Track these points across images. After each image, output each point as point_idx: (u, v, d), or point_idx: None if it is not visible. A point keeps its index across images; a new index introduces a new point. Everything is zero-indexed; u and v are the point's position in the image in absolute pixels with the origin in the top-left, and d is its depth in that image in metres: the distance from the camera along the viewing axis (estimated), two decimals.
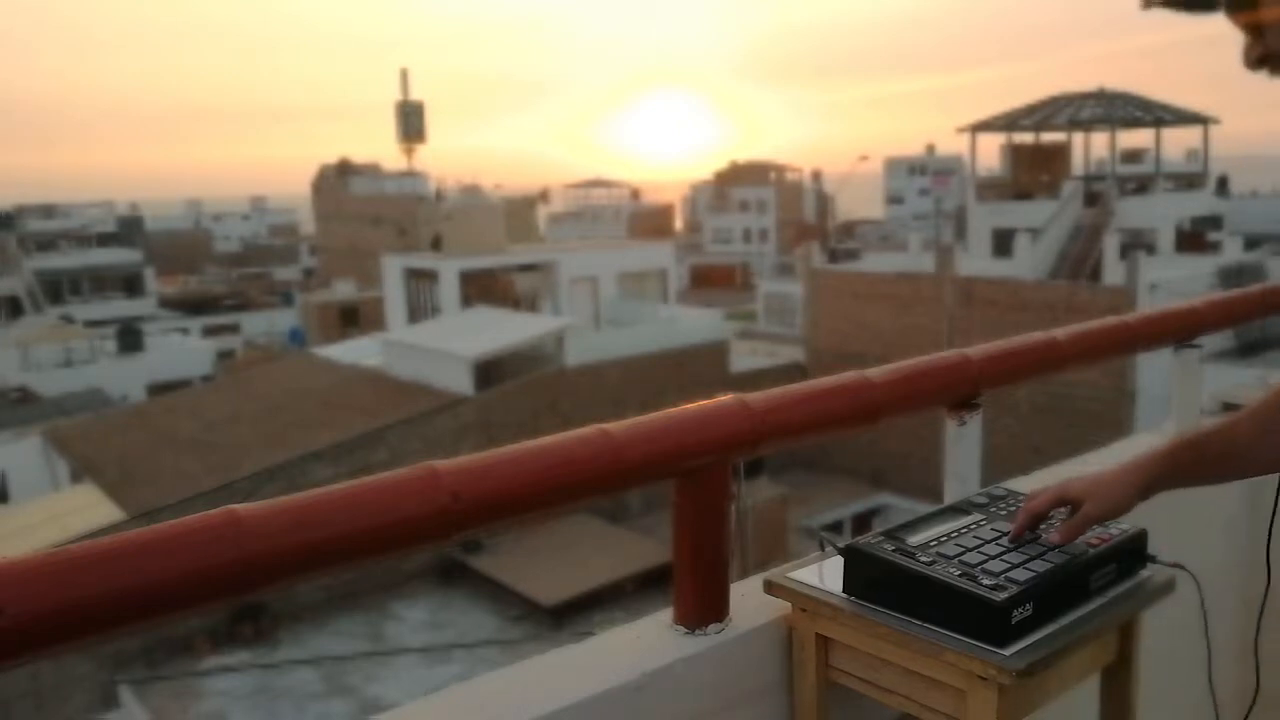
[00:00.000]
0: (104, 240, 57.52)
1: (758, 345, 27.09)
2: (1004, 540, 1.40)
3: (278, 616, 14.32)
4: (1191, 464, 1.42)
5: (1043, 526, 1.44)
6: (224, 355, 35.44)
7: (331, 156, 56.30)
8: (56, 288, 46.89)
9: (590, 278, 25.97)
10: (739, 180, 70.21)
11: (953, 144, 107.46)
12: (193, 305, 46.44)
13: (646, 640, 1.40)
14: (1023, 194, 30.26)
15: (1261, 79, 1.08)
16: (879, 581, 1.36)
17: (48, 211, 64.61)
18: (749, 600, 1.47)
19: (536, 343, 19.84)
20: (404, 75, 44.68)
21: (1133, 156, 35.86)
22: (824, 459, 21.82)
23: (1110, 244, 24.79)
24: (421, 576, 15.65)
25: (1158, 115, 30.68)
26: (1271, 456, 1.39)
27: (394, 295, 28.25)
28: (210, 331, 41.57)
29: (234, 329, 42.59)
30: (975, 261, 26.63)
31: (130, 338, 32.65)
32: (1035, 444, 17.76)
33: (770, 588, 1.46)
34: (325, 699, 12.50)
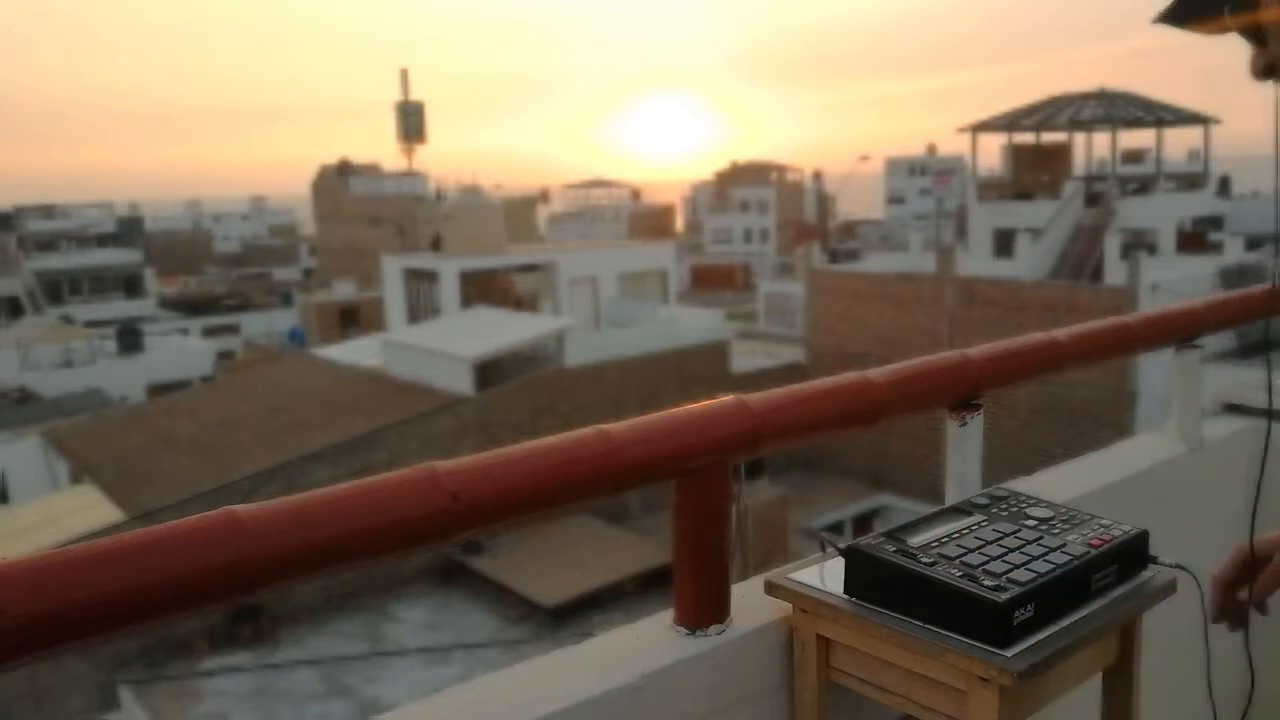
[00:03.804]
0: (104, 241, 57.58)
1: (758, 345, 27.07)
2: (1006, 541, 1.40)
3: (277, 617, 14.32)
4: None
5: (1042, 526, 1.44)
6: (224, 356, 35.43)
7: (331, 157, 56.42)
8: (56, 288, 46.94)
9: (590, 278, 25.98)
10: (739, 180, 70.25)
11: (953, 144, 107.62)
12: (192, 306, 46.46)
13: (646, 641, 1.40)
14: (1023, 194, 30.28)
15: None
16: (880, 582, 1.35)
17: (47, 212, 64.63)
18: (749, 601, 1.47)
19: (536, 343, 19.85)
20: (404, 76, 44.81)
21: (1134, 157, 35.89)
22: (825, 460, 21.82)
23: (1111, 244, 24.80)
24: (421, 577, 15.64)
25: (1159, 115, 30.70)
26: None
27: (394, 296, 28.26)
28: (210, 332, 41.59)
29: (234, 329, 42.61)
30: (976, 262, 26.65)
31: (130, 338, 32.66)
32: (1036, 445, 17.76)
33: (771, 588, 1.46)
34: (325, 700, 12.50)
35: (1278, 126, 1.06)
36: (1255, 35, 1.06)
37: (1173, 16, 1.13)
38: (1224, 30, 1.07)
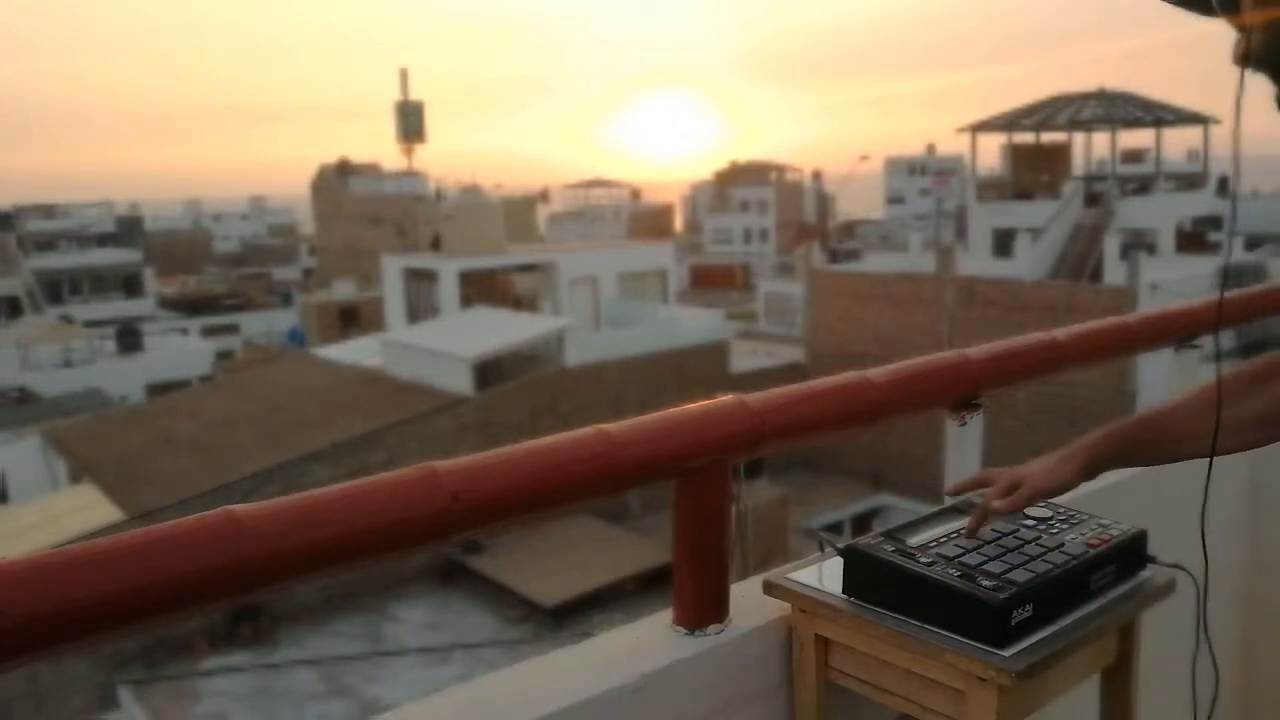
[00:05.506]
0: (103, 240, 57.53)
1: (758, 345, 27.06)
2: (1004, 541, 1.40)
3: (277, 617, 14.32)
4: (1133, 445, 1.45)
5: (1040, 526, 1.44)
6: (223, 355, 35.39)
7: (331, 157, 56.38)
8: (56, 288, 46.90)
9: (590, 278, 25.96)
10: (739, 180, 70.20)
11: (953, 144, 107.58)
12: (192, 305, 46.41)
13: (646, 641, 1.40)
14: (1023, 194, 30.27)
15: (1261, 77, 1.09)
16: (879, 582, 1.36)
17: (47, 211, 64.60)
18: (749, 601, 1.47)
19: (536, 343, 19.84)
20: (404, 75, 44.80)
21: (1133, 157, 35.88)
22: (825, 460, 21.81)
23: (1111, 244, 24.79)
24: (421, 577, 15.64)
25: (1158, 115, 30.67)
26: (1210, 442, 1.41)
27: (393, 295, 28.25)
28: (209, 332, 41.53)
29: (233, 329, 42.54)
30: (976, 262, 26.63)
31: (130, 338, 32.63)
32: (1036, 445, 17.75)
33: (770, 588, 1.46)
34: (325, 700, 12.49)
35: (1236, 110, 1.08)
36: (1240, 27, 1.09)
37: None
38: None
